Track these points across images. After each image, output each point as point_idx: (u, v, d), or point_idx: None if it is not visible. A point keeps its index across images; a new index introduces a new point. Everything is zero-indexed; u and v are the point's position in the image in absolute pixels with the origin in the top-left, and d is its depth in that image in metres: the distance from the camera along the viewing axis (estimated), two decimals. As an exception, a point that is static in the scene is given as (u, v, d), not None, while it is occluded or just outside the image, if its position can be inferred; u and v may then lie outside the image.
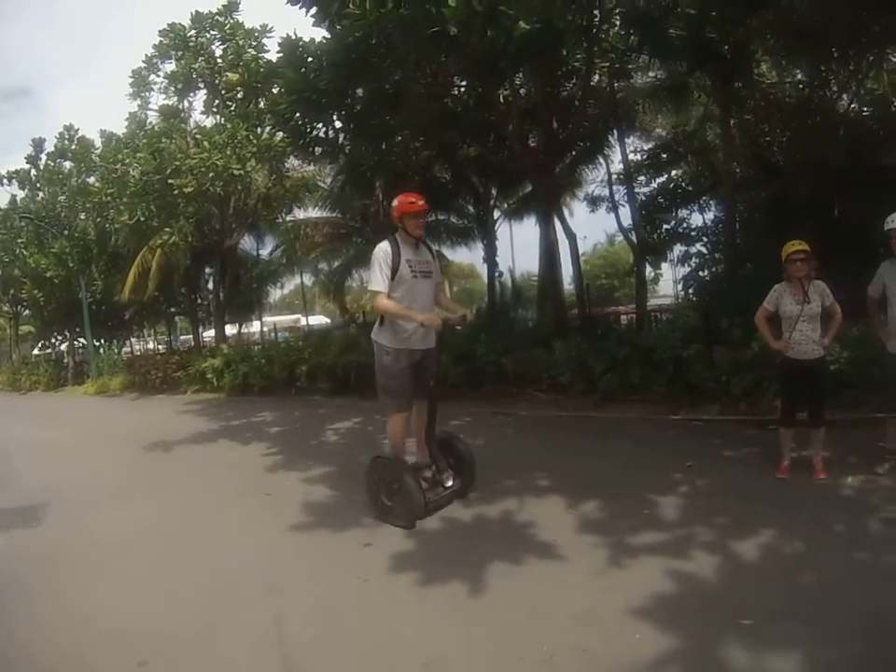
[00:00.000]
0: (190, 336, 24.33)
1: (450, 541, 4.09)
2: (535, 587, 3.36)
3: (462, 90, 11.07)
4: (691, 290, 13.69)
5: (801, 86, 11.80)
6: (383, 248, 4.40)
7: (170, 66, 15.73)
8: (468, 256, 42.40)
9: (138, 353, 25.88)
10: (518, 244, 35.08)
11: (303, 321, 29.69)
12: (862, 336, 6.26)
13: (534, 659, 2.73)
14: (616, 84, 11.74)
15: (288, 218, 20.11)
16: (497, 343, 9.73)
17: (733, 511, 4.17)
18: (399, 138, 11.11)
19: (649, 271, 16.21)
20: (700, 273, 13.23)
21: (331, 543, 4.27)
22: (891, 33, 9.07)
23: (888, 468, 4.73)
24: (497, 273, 17.40)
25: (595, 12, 8.97)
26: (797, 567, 3.40)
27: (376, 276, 4.35)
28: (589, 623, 2.98)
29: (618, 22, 10.19)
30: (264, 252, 21.81)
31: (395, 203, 4.52)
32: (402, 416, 4.60)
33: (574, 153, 13.76)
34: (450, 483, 4.63)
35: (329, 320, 32.28)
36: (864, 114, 11.87)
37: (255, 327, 25.83)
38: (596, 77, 11.31)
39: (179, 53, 15.33)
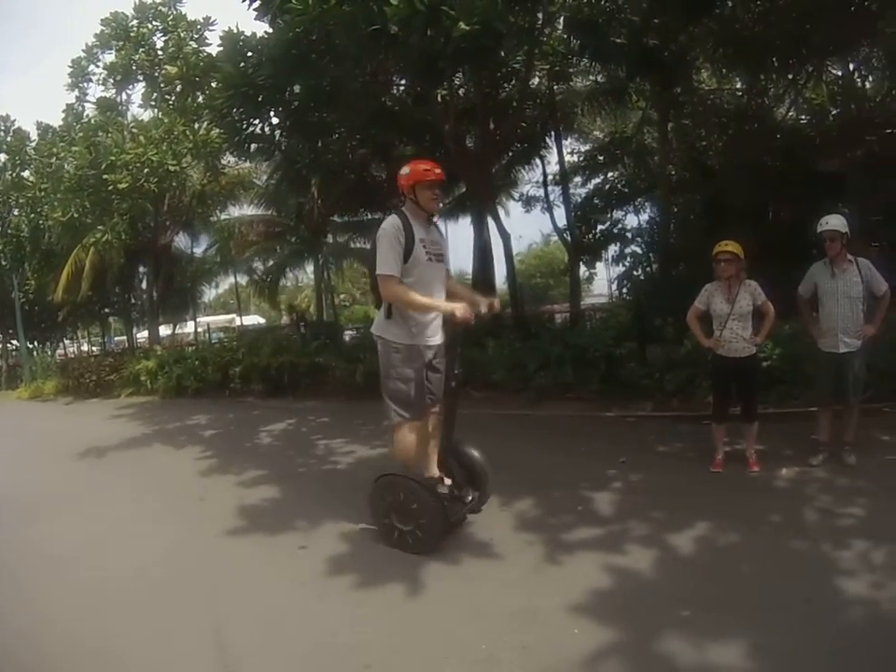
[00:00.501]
0: (124, 337, 23.58)
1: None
2: (472, 586, 3.34)
3: (401, 88, 11.02)
4: (625, 289, 13.93)
5: (739, 93, 12.06)
6: (393, 224, 3.68)
7: (110, 57, 15.18)
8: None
9: (72, 355, 24.96)
10: (453, 243, 35.00)
11: (238, 321, 29.13)
12: (794, 333, 6.47)
13: (473, 658, 2.71)
14: (555, 86, 11.84)
15: (223, 216, 19.76)
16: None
17: (667, 504, 4.22)
18: (336, 136, 10.94)
19: (583, 270, 16.40)
20: (634, 273, 13.36)
21: (267, 547, 4.17)
22: (832, 45, 9.34)
23: (821, 459, 4.89)
24: (430, 273, 17.31)
25: (539, 15, 9.03)
26: (734, 558, 3.46)
27: (386, 258, 3.61)
28: (527, 620, 2.96)
29: (560, 26, 10.30)
30: (198, 250, 21.36)
31: (405, 170, 3.80)
32: (416, 426, 3.90)
33: (511, 154, 13.78)
34: (469, 499, 4.04)
35: (263, 320, 31.76)
36: (802, 122, 12.28)
37: (189, 327, 25.22)
38: (536, 80, 11.41)
39: (120, 43, 14.79)
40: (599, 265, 18.66)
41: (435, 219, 4.00)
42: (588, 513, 4.22)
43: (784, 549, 3.51)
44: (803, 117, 12.50)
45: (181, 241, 20.31)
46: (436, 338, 3.86)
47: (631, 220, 14.18)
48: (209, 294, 27.97)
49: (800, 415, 5.93)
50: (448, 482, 3.99)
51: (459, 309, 3.48)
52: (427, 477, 3.99)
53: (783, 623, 2.78)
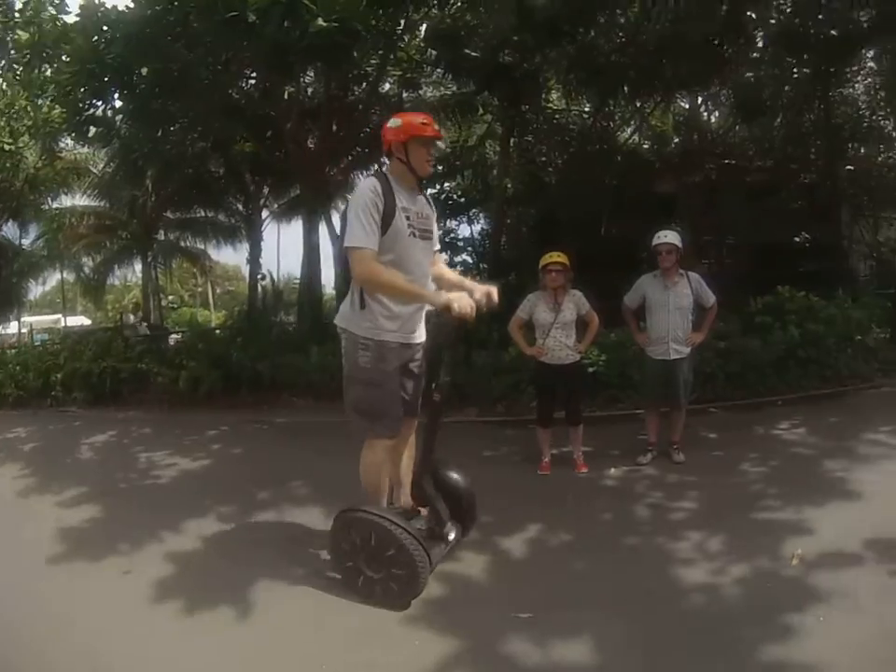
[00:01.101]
0: (-51, 340, 20.99)
1: (212, 562, 3.81)
2: (306, 604, 3.22)
3: (250, 82, 10.78)
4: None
5: (586, 115, 12.56)
6: (371, 187, 2.95)
7: (-38, 14, 13.41)
8: (233, 257, 40.45)
9: None
10: (286, 246, 33.53)
11: (63, 322, 26.74)
12: (620, 341, 6.87)
13: (316, 678, 2.62)
14: (405, 94, 11.94)
15: (55, 206, 18.14)
16: (254, 348, 9.50)
17: (495, 508, 4.16)
18: (178, 126, 10.46)
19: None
20: (463, 282, 13.74)
21: (90, 574, 3.80)
22: (684, 80, 10.06)
23: (650, 458, 5.24)
24: (259, 276, 16.60)
25: (401, 21, 9.08)
26: (568, 557, 3.57)
27: (360, 226, 2.87)
28: (366, 635, 2.91)
29: (420, 34, 10.40)
30: (26, 242, 19.40)
31: (395, 122, 3.08)
32: (387, 445, 3.23)
33: (351, 158, 13.61)
34: (452, 536, 3.32)
35: (89, 321, 29.31)
36: (644, 146, 13.11)
37: (13, 327, 23.03)
38: (387, 85, 11.47)
39: (-24, 1, 13.11)
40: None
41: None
42: (415, 521, 4.16)
43: (618, 544, 3.67)
44: (645, 141, 13.32)
45: (8, 230, 18.44)
46: (417, 335, 3.24)
47: (464, 230, 14.32)
48: (35, 291, 25.47)
49: (626, 418, 6.32)
50: (424, 513, 3.40)
51: (457, 300, 2.76)
52: (398, 508, 3.44)
53: (626, 615, 2.89)
